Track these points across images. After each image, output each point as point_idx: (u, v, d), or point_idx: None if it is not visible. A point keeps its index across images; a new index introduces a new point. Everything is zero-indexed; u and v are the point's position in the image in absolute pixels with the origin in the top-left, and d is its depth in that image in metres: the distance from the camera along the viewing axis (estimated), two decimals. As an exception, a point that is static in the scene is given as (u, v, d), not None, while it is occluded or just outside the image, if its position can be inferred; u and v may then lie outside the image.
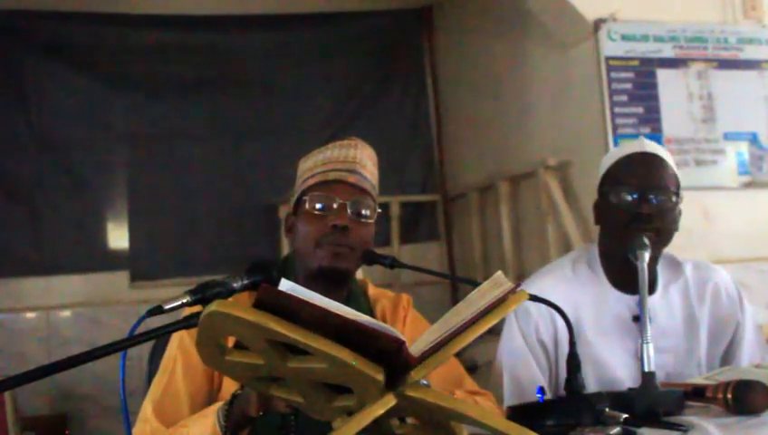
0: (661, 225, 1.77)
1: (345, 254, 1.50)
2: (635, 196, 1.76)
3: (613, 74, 3.60)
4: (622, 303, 1.84)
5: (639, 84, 3.64)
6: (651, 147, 1.84)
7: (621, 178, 1.80)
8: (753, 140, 3.76)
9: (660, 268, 1.88)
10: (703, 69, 3.72)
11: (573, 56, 3.82)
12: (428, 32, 5.57)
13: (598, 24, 3.60)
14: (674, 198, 1.78)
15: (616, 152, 1.89)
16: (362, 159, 1.57)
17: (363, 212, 1.53)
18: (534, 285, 1.81)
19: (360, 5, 5.39)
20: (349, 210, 1.51)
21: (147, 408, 1.45)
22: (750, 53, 3.80)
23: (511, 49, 4.52)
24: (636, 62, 3.64)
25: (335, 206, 1.51)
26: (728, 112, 3.73)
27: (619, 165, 1.83)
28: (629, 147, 1.86)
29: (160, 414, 1.43)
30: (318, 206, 1.52)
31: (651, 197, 1.75)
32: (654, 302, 1.80)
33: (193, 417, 1.34)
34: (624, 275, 1.81)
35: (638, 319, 1.79)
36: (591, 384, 1.59)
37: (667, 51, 3.69)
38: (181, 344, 1.49)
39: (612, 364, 1.81)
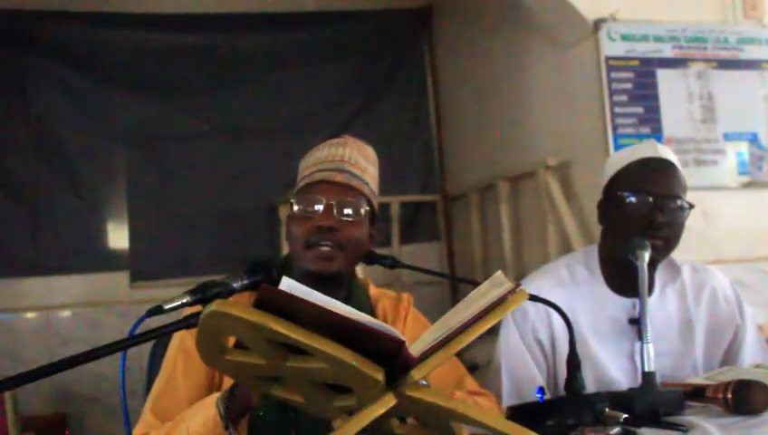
0: (671, 233, 1.77)
1: (333, 254, 1.48)
2: (649, 204, 1.74)
3: (613, 74, 3.60)
4: (618, 305, 1.84)
5: (639, 84, 3.64)
6: (665, 152, 1.82)
7: (635, 184, 1.77)
8: (753, 140, 3.76)
9: (658, 271, 1.88)
10: (703, 69, 3.72)
11: (573, 56, 3.82)
12: (428, 32, 5.57)
13: (598, 24, 3.60)
14: (685, 206, 1.78)
15: (628, 154, 1.85)
16: (351, 157, 1.54)
17: (349, 211, 1.50)
18: (529, 286, 1.80)
19: (360, 5, 5.39)
20: (335, 210, 1.49)
21: (147, 406, 1.46)
22: (750, 53, 3.80)
23: (511, 49, 4.52)
24: (636, 62, 3.64)
25: (320, 207, 1.49)
26: (728, 112, 3.72)
27: (633, 169, 1.80)
28: (642, 150, 1.83)
29: (158, 411, 1.43)
30: (303, 208, 1.50)
31: (665, 205, 1.74)
32: (650, 304, 1.79)
33: (190, 410, 1.33)
34: (622, 278, 1.80)
35: (633, 322, 1.80)
36: (588, 385, 1.60)
37: (667, 51, 3.69)
38: (182, 344, 1.49)
39: (608, 366, 1.81)
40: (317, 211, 1.49)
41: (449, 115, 5.47)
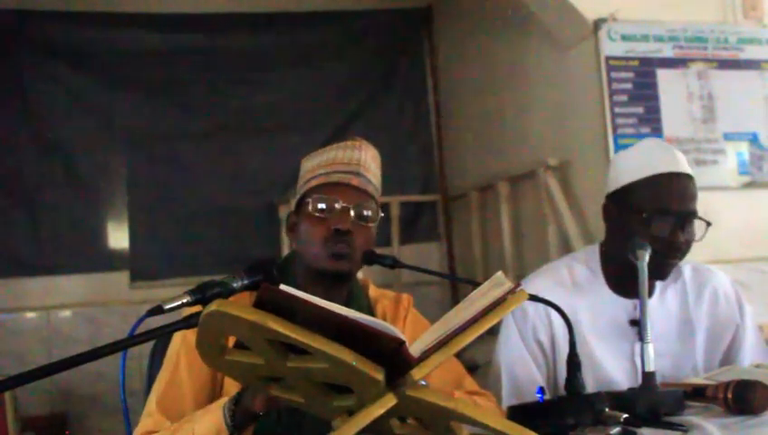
0: (687, 249, 1.78)
1: (347, 256, 1.51)
2: (672, 224, 1.73)
3: (613, 74, 3.60)
4: (619, 306, 1.83)
5: (639, 84, 3.63)
6: (683, 164, 1.79)
7: (661, 205, 1.73)
8: (753, 140, 3.76)
9: (659, 271, 1.87)
10: (703, 69, 3.72)
11: (573, 56, 3.82)
12: (428, 32, 5.57)
13: (598, 24, 3.60)
14: (703, 223, 1.78)
15: (644, 163, 1.78)
16: (366, 162, 1.56)
17: (366, 215, 1.53)
18: (529, 286, 1.80)
19: (360, 5, 5.39)
20: (352, 213, 1.51)
21: (151, 402, 1.46)
22: (750, 53, 3.80)
23: (511, 49, 4.52)
24: (636, 62, 3.64)
25: (338, 208, 1.51)
26: (728, 112, 3.72)
27: (657, 185, 1.76)
28: (662, 161, 1.77)
29: (164, 408, 1.43)
30: (321, 208, 1.51)
31: (687, 225, 1.75)
32: (650, 305, 1.78)
33: (197, 413, 1.33)
34: (624, 280, 1.80)
35: (634, 323, 1.79)
36: (589, 386, 1.60)
37: (667, 51, 3.69)
38: (185, 340, 1.49)
39: (608, 367, 1.81)
40: (334, 213, 1.51)
41: (449, 115, 5.47)
